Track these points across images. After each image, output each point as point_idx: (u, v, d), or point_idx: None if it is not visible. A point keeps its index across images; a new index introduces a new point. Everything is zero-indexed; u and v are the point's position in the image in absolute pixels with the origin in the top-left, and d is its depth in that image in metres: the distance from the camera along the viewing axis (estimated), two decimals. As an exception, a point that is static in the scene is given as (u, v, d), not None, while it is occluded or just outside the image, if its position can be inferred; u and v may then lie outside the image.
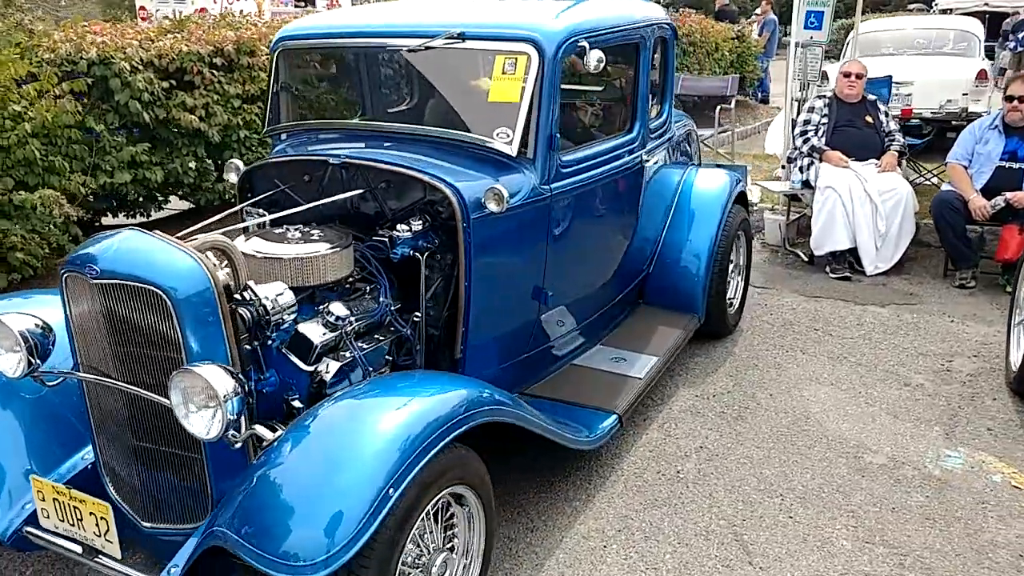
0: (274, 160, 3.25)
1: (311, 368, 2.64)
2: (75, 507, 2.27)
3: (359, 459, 2.01)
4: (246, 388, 2.18)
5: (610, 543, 2.87)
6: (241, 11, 9.16)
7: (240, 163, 3.37)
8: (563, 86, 3.64)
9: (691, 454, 3.43)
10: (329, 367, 2.66)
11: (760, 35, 14.00)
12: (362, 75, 3.67)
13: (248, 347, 2.51)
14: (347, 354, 2.70)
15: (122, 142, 4.72)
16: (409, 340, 2.97)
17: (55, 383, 2.52)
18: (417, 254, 2.89)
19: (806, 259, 5.94)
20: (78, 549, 2.32)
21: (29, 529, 2.42)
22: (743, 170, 5.16)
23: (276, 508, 1.95)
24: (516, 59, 3.03)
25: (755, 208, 5.48)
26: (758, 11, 15.29)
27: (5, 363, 2.45)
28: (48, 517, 2.36)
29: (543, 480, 3.23)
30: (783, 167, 6.60)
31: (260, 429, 2.16)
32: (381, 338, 2.89)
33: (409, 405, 2.20)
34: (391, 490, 1.94)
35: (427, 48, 3.16)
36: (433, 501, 2.21)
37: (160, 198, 5.81)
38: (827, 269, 5.69)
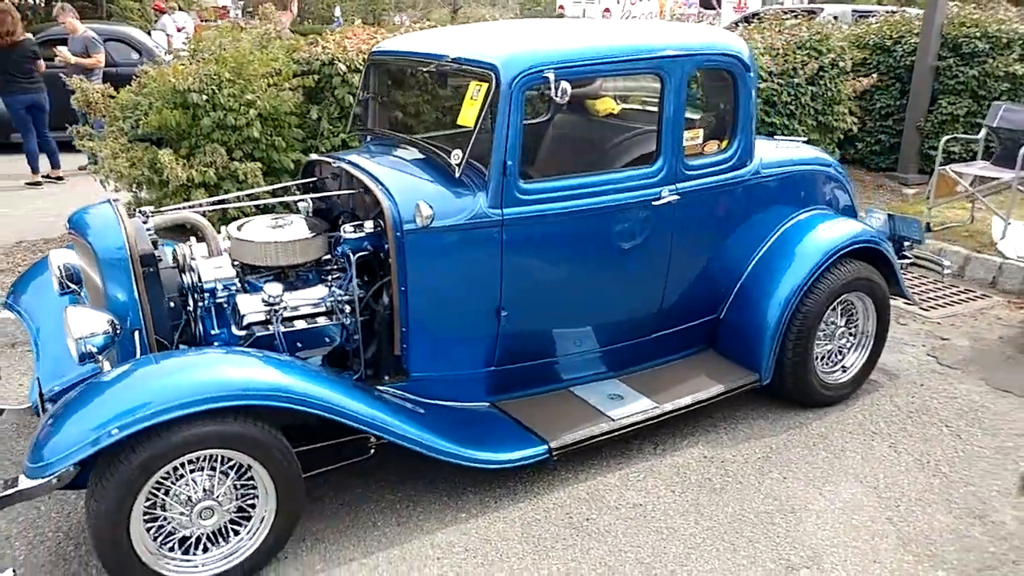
0: (318, 159, 3.85)
1: (242, 333, 3.21)
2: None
3: (111, 401, 2.53)
4: (117, 332, 2.83)
5: (445, 557, 2.96)
6: (643, 13, 9.64)
7: (315, 156, 4.03)
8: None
9: (621, 508, 3.25)
10: (254, 337, 3.20)
11: None
12: (411, 91, 4.06)
13: (182, 304, 3.19)
14: (271, 328, 3.21)
15: (337, 129, 5.71)
16: (348, 329, 3.36)
17: (92, 306, 3.46)
18: (351, 253, 3.26)
19: (1058, 347, 4.79)
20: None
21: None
22: (913, 224, 4.38)
23: (53, 424, 2.56)
24: (480, 86, 3.19)
25: (947, 271, 4.56)
26: None
27: (55, 285, 3.44)
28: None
29: (464, 485, 3.37)
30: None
31: (106, 364, 2.80)
32: (321, 322, 3.33)
33: (178, 374, 2.64)
34: (115, 430, 2.43)
35: (430, 71, 3.49)
36: (191, 458, 2.63)
37: None
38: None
